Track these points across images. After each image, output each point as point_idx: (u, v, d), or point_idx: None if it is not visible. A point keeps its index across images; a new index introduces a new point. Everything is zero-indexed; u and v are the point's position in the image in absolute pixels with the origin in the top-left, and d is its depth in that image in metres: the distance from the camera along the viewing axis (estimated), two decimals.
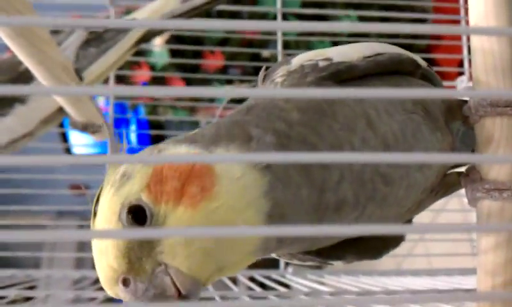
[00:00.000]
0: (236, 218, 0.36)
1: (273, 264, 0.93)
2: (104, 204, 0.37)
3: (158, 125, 1.98)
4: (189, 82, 1.70)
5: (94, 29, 0.91)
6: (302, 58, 0.46)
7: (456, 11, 1.13)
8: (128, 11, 1.11)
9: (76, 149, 2.69)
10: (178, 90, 0.26)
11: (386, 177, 0.43)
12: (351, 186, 0.41)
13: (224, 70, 1.69)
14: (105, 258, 0.36)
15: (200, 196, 0.36)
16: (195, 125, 1.84)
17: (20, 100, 0.85)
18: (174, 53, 1.63)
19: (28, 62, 0.66)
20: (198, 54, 1.64)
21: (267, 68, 0.49)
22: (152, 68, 1.70)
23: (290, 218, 0.39)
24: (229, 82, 1.69)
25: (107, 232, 0.35)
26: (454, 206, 1.29)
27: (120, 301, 0.38)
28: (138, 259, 0.35)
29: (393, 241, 0.52)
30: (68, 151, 2.66)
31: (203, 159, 0.37)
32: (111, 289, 0.37)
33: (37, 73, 0.68)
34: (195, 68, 1.66)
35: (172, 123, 1.99)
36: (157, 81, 1.72)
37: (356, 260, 0.53)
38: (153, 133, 2.02)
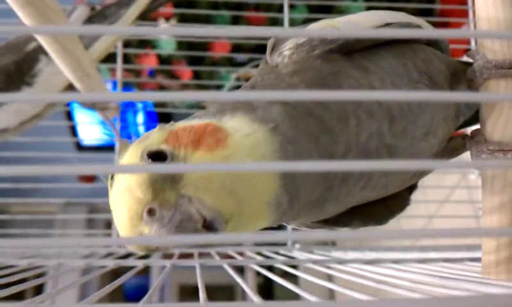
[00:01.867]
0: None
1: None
2: (124, 158, 0.39)
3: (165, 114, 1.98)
4: (195, 68, 1.70)
5: None
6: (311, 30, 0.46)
7: None
8: None
9: (81, 128, 2.71)
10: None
11: (391, 148, 0.44)
12: (356, 158, 0.42)
13: (231, 54, 1.69)
14: (129, 192, 0.36)
15: (215, 144, 0.38)
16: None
17: (27, 83, 0.86)
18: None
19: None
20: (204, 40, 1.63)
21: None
22: (159, 55, 1.70)
23: (301, 183, 0.40)
24: (235, 66, 1.69)
25: (130, 167, 0.36)
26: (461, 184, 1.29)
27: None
28: (162, 190, 0.36)
29: (398, 206, 0.54)
30: (73, 129, 2.68)
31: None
32: (135, 227, 0.36)
33: (46, 45, 0.68)
34: (202, 55, 1.66)
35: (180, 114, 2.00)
36: (164, 67, 1.73)
37: (362, 226, 0.54)
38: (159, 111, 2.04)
